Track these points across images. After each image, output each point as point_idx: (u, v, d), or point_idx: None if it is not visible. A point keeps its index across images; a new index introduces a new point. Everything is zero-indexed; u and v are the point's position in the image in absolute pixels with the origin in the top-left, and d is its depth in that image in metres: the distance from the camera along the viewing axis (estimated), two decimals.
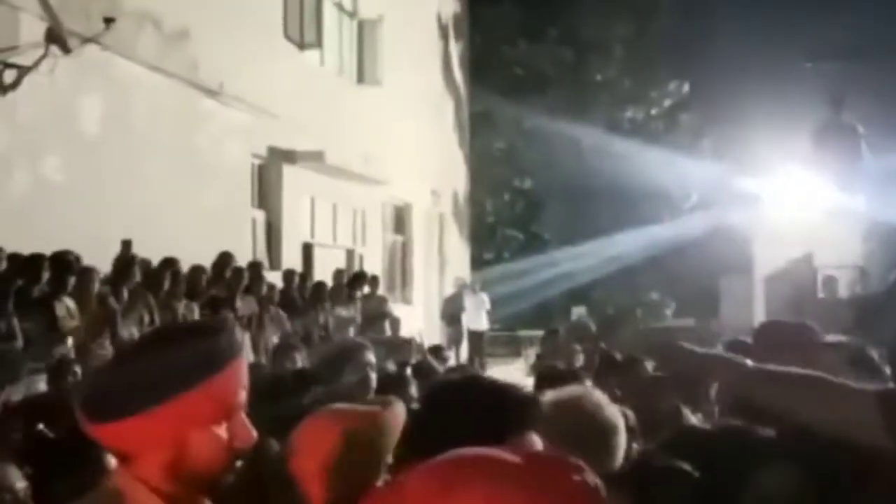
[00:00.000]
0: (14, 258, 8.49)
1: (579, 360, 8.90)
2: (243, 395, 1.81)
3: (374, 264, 17.55)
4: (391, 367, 7.19)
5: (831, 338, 3.52)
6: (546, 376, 5.17)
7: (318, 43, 16.46)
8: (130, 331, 8.92)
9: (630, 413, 3.45)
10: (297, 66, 15.46)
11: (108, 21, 9.96)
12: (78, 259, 8.83)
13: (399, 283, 20.15)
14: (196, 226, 11.96)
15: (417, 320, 18.25)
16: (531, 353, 15.39)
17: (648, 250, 23.37)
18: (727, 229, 20.15)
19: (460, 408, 1.95)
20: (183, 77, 12.30)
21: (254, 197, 14.61)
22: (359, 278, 14.58)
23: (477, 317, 19.59)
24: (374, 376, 4.40)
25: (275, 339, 10.87)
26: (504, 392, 2.01)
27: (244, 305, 11.03)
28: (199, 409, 1.74)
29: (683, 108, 27.05)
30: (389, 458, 1.92)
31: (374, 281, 14.97)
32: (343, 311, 13.23)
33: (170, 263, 10.08)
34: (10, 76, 9.50)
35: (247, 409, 1.83)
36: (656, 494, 2.43)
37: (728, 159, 23.37)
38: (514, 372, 14.93)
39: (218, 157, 13.11)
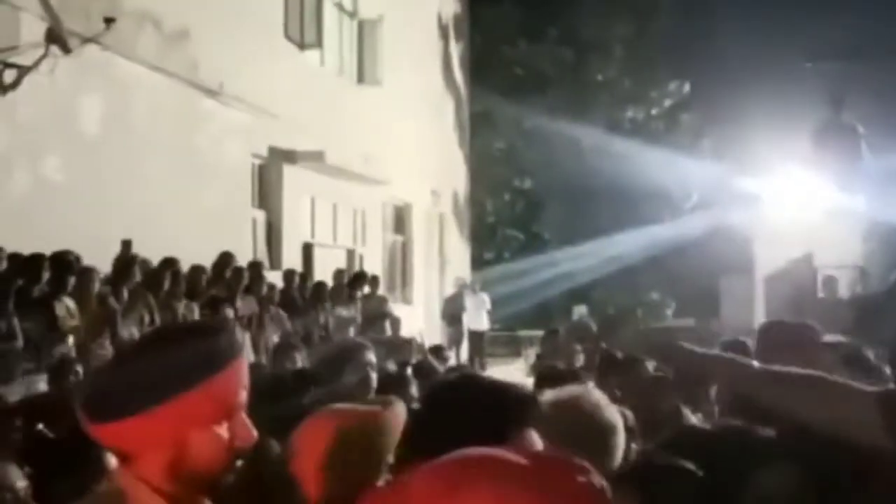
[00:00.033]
0: (14, 258, 8.49)
1: (580, 360, 8.90)
2: (244, 395, 1.81)
3: (374, 264, 17.55)
4: (392, 367, 7.18)
5: (830, 338, 3.53)
6: (546, 376, 5.17)
7: (319, 43, 16.47)
8: (130, 331, 8.92)
9: (629, 413, 3.45)
10: (298, 66, 15.46)
11: (109, 21, 9.96)
12: (78, 259, 8.84)
13: (399, 283, 20.15)
14: (196, 226, 11.96)
15: (418, 320, 18.26)
16: (531, 353, 15.38)
17: (649, 250, 23.37)
18: (727, 229, 20.14)
19: (459, 407, 1.95)
20: (183, 77, 12.30)
21: (254, 197, 14.62)
22: (359, 278, 14.58)
23: (477, 317, 19.61)
24: (374, 376, 4.39)
25: (275, 339, 10.87)
26: (503, 390, 2.01)
27: (244, 305, 11.03)
28: (200, 409, 1.74)
29: (684, 108, 27.04)
30: (390, 458, 1.92)
31: (374, 281, 14.98)
32: (343, 311, 13.23)
33: (170, 263, 10.08)
34: (10, 76, 9.50)
35: (247, 410, 1.83)
36: (658, 493, 2.43)
37: (728, 159, 23.36)
38: (515, 372, 14.93)
39: (218, 157, 13.11)
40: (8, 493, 3.17)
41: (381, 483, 1.87)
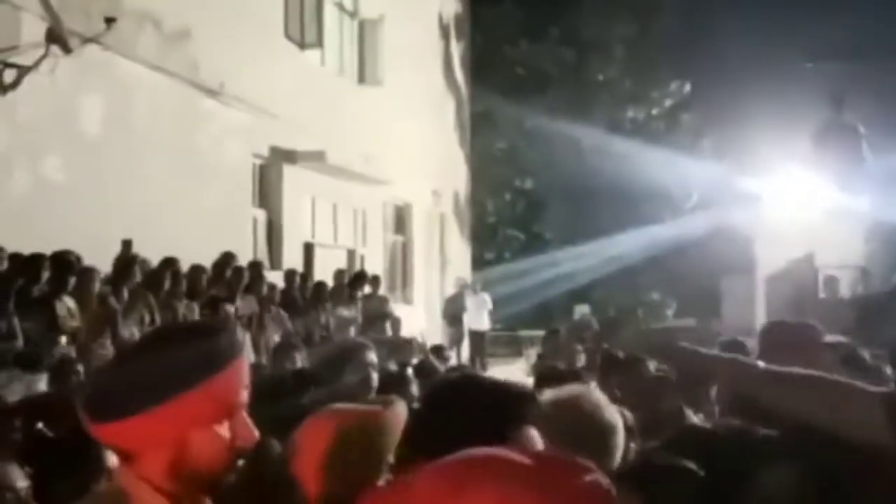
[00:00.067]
0: (15, 258, 8.49)
1: (581, 360, 8.91)
2: (245, 395, 1.81)
3: (374, 264, 17.55)
4: (393, 367, 7.18)
5: (830, 338, 3.52)
6: (546, 376, 5.17)
7: (319, 43, 16.47)
8: (131, 331, 8.92)
9: (628, 413, 3.45)
10: (298, 66, 15.46)
11: (109, 21, 9.97)
12: (78, 259, 8.83)
13: (400, 283, 20.14)
14: (197, 226, 11.96)
15: (418, 320, 18.26)
16: (532, 353, 15.39)
17: (649, 250, 23.37)
18: (728, 229, 20.14)
19: (460, 406, 1.95)
20: (183, 77, 12.30)
21: (254, 197, 14.62)
22: (360, 278, 14.58)
23: (478, 317, 19.61)
24: (375, 376, 4.39)
25: (276, 339, 10.87)
26: (502, 388, 2.01)
27: (244, 305, 11.03)
28: (200, 409, 1.74)
29: (684, 108, 27.06)
30: (391, 458, 1.92)
31: (375, 281, 14.97)
32: (344, 312, 13.23)
33: (170, 263, 10.08)
34: (10, 76, 9.51)
35: (248, 409, 1.83)
36: (659, 493, 2.42)
37: (729, 159, 23.38)
38: (515, 372, 14.93)
39: (218, 157, 13.11)
40: (9, 493, 3.17)
41: (381, 483, 1.87)
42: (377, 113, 17.52)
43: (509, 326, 23.59)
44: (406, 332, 14.36)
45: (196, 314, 9.96)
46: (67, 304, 8.44)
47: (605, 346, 8.72)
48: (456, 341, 18.60)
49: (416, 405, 2.65)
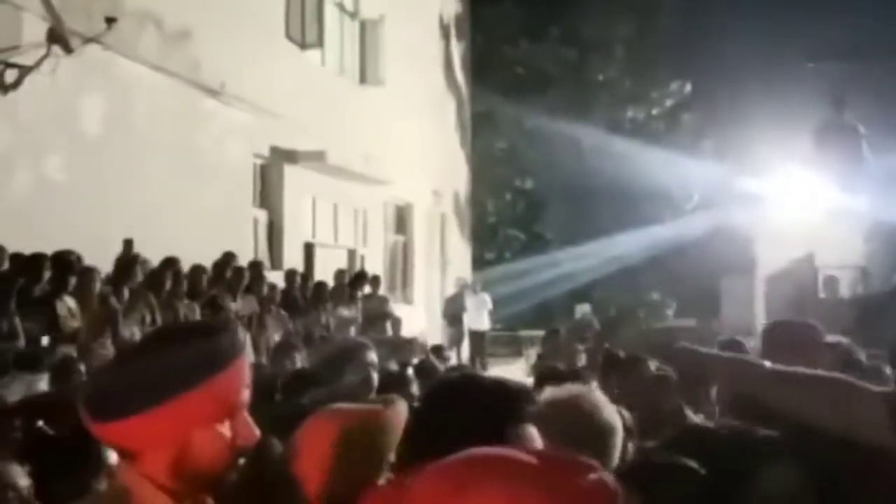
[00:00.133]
0: (16, 258, 8.50)
1: (581, 360, 8.91)
2: (246, 394, 1.82)
3: (375, 264, 17.55)
4: (393, 367, 7.18)
5: (831, 338, 3.53)
6: (546, 376, 5.18)
7: (320, 43, 16.46)
8: (132, 330, 8.92)
9: (627, 413, 3.45)
10: (299, 66, 15.46)
11: (110, 21, 9.97)
12: (79, 259, 8.84)
13: (400, 283, 20.15)
14: (197, 225, 11.97)
15: (419, 320, 18.26)
16: (532, 354, 15.39)
17: (650, 250, 23.37)
18: (728, 229, 20.15)
19: (460, 406, 1.95)
20: (184, 77, 12.30)
21: (255, 197, 14.62)
22: (360, 278, 14.58)
23: (478, 317, 19.61)
24: (375, 376, 4.40)
25: (276, 339, 10.87)
26: (501, 388, 2.01)
27: (245, 305, 11.03)
28: (202, 408, 1.75)
29: (685, 108, 27.05)
30: (392, 457, 1.93)
31: (375, 281, 14.98)
32: (344, 311, 13.24)
33: (171, 263, 10.08)
34: (11, 76, 9.51)
35: (249, 409, 1.83)
36: (660, 492, 2.43)
37: (729, 159, 23.38)
38: (515, 372, 14.92)
39: (219, 157, 13.12)
40: (11, 492, 3.17)
41: (382, 482, 1.87)
42: (378, 113, 17.53)
43: (509, 326, 23.58)
44: (406, 332, 14.36)
45: (197, 314, 9.97)
46: (68, 303, 8.45)
47: (605, 346, 8.73)
48: (456, 341, 18.60)
49: (416, 405, 2.65)
